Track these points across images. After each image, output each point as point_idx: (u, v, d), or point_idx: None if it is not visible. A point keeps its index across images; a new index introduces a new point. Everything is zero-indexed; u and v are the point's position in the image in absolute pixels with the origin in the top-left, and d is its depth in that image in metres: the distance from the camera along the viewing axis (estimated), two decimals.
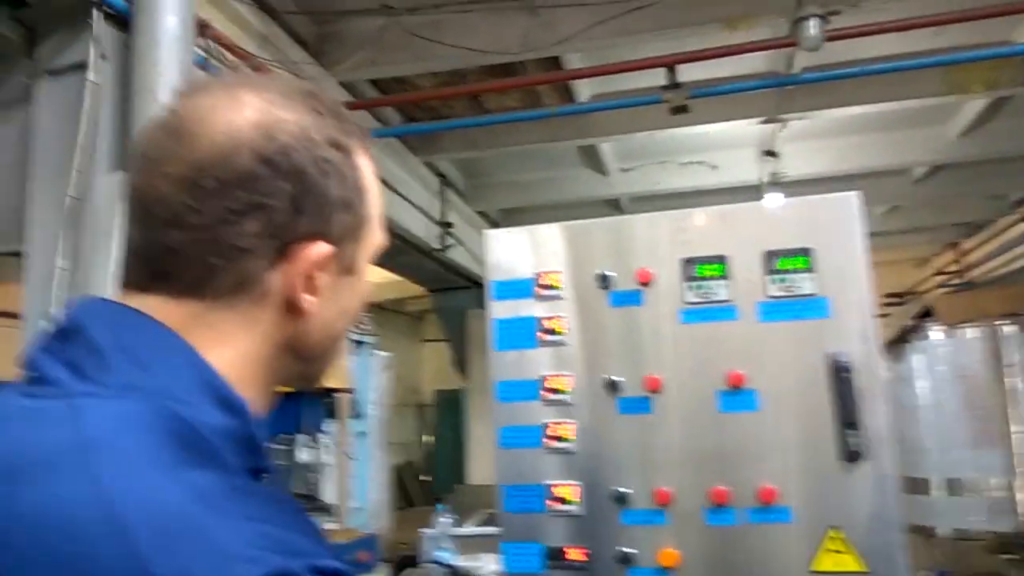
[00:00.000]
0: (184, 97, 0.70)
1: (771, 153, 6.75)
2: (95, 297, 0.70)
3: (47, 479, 0.55)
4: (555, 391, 1.63)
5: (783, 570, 1.46)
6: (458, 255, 7.68)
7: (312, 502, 3.88)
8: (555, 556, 1.57)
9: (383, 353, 6.60)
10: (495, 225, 8.68)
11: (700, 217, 1.64)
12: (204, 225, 0.65)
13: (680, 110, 4.80)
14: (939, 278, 11.63)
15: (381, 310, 13.71)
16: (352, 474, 4.40)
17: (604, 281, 1.65)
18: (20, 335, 2.62)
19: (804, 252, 1.54)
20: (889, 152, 7.39)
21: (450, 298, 8.95)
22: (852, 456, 1.44)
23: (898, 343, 7.03)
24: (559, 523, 1.58)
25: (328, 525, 3.79)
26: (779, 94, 5.67)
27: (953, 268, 11.41)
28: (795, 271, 1.55)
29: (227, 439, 0.63)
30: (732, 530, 1.49)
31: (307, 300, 0.69)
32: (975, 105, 6.52)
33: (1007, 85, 5.54)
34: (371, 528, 4.68)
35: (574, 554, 1.56)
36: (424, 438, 15.78)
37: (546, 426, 1.63)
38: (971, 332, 6.68)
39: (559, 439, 1.61)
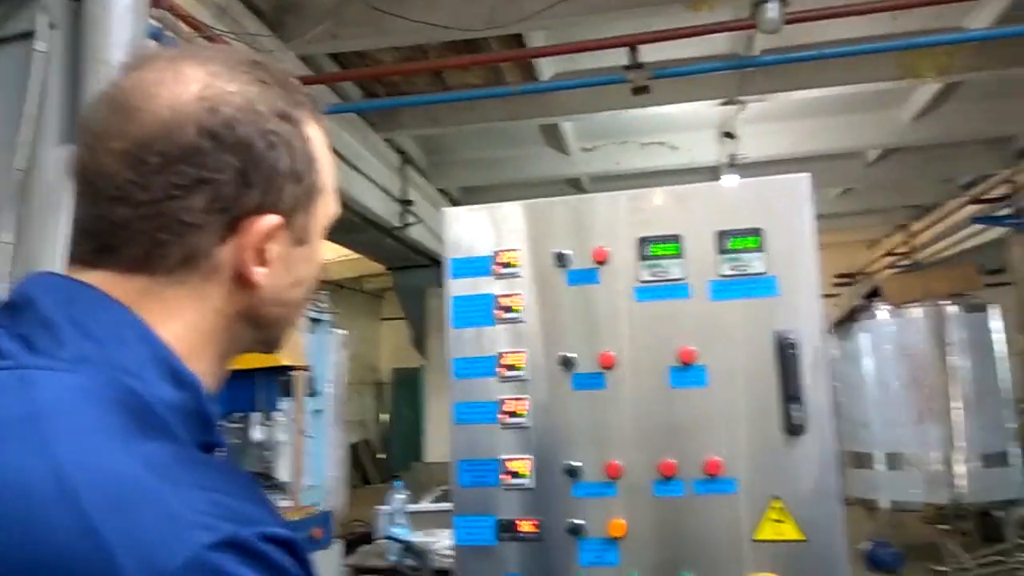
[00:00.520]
0: (128, 71, 0.69)
1: (729, 135, 6.83)
2: (45, 272, 0.70)
3: None
4: (511, 368, 1.65)
5: (727, 539, 1.51)
6: (418, 233, 7.64)
7: (266, 480, 3.86)
8: (507, 528, 1.60)
9: (340, 331, 6.56)
10: (456, 203, 8.65)
11: (656, 197, 1.67)
12: (150, 201, 0.64)
13: (641, 90, 4.83)
14: (889, 259, 11.95)
15: (339, 288, 13.60)
16: (307, 452, 4.38)
17: (561, 259, 1.67)
18: None
19: (755, 232, 1.58)
20: (844, 135, 7.54)
21: (409, 276, 8.92)
22: (795, 429, 1.50)
23: (847, 322, 7.23)
24: (512, 496, 1.61)
25: (282, 503, 3.78)
26: (739, 76, 5.73)
27: (902, 250, 11.73)
28: (746, 251, 1.58)
29: (178, 413, 0.63)
30: (679, 501, 1.54)
31: (258, 272, 0.69)
32: (927, 90, 6.68)
33: (958, 71, 5.68)
34: (326, 506, 4.68)
35: (526, 526, 1.59)
36: (382, 416, 15.79)
37: (502, 402, 1.65)
38: (916, 312, 6.89)
39: (514, 415, 1.64)
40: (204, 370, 0.69)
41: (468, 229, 1.73)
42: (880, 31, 5.34)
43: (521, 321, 1.67)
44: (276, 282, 0.72)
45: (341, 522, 7.08)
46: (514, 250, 1.69)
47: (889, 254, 12.05)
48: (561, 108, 6.32)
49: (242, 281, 0.69)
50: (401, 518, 3.79)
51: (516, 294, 1.68)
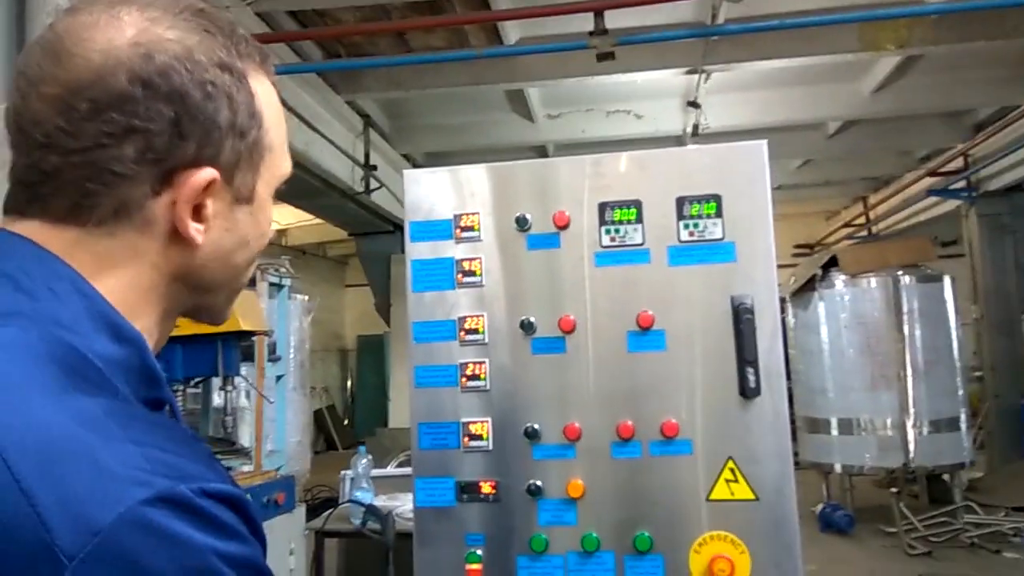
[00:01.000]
0: (66, 14, 0.67)
1: (694, 104, 6.85)
2: None
3: None
4: (472, 332, 1.66)
5: (682, 499, 1.55)
6: (381, 198, 7.56)
7: (228, 446, 3.83)
8: (467, 490, 1.61)
9: (302, 297, 6.50)
10: (420, 169, 8.56)
11: (617, 162, 1.66)
12: (79, 149, 0.62)
13: (606, 57, 4.80)
14: (847, 230, 12.19)
15: (302, 254, 13.45)
16: (269, 417, 4.36)
17: (522, 223, 1.66)
18: None
19: (713, 198, 1.59)
20: (805, 107, 7.62)
21: (373, 242, 8.85)
22: (750, 393, 1.53)
23: (804, 291, 7.37)
24: (472, 459, 1.62)
25: (244, 468, 3.76)
26: (703, 45, 5.74)
27: (861, 221, 11.96)
28: (704, 216, 1.60)
29: (118, 368, 0.61)
30: (636, 462, 1.56)
31: (195, 229, 0.67)
32: (887, 63, 6.77)
33: (917, 44, 5.76)
34: (289, 470, 4.68)
35: (485, 487, 1.61)
36: (348, 383, 15.76)
37: (463, 366, 1.65)
38: (871, 282, 7.05)
39: (474, 378, 1.64)
40: (144, 328, 0.67)
41: (428, 192, 1.71)
42: (842, 3, 5.38)
43: (481, 285, 1.67)
44: (216, 241, 0.70)
45: (306, 487, 7.11)
46: (475, 213, 1.68)
47: (847, 225, 12.29)
48: (526, 74, 6.27)
49: (179, 237, 0.67)
50: (365, 483, 3.80)
51: (477, 258, 1.67)
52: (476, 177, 1.72)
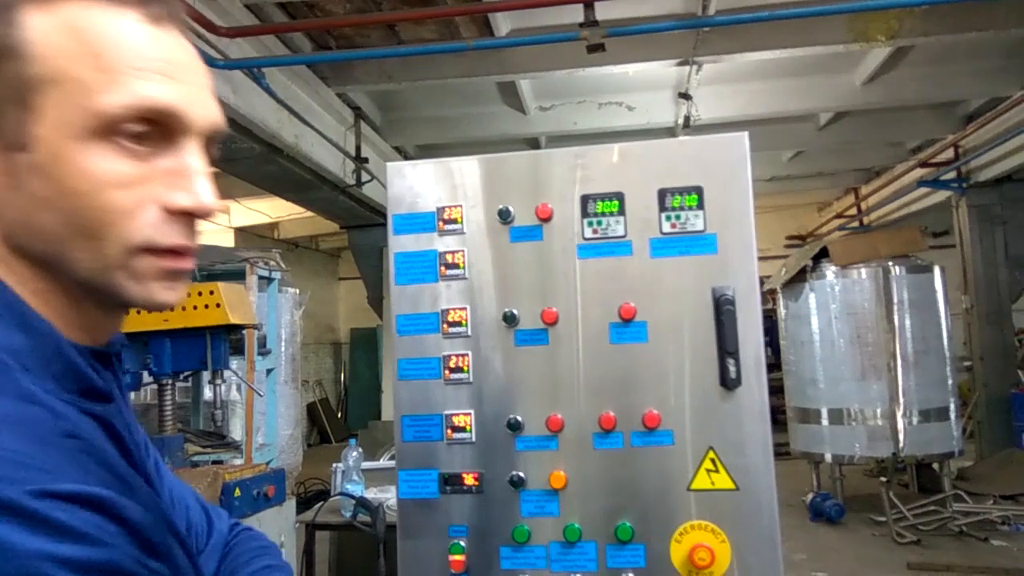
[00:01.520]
0: None
1: (685, 95, 6.85)
2: None
3: None
4: (455, 324, 1.66)
5: (664, 489, 1.56)
6: (373, 191, 7.55)
7: (218, 439, 3.84)
8: (450, 481, 1.62)
9: (293, 290, 6.48)
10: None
11: (599, 154, 1.66)
12: None
13: (596, 48, 4.79)
14: (839, 221, 12.22)
15: (295, 247, 13.43)
16: (260, 411, 4.36)
17: (505, 216, 1.66)
18: None
19: (695, 190, 1.60)
20: (796, 98, 7.62)
21: (365, 235, 8.84)
22: (731, 383, 1.54)
23: (795, 282, 7.40)
24: (455, 451, 1.63)
25: (235, 461, 3.77)
26: (694, 37, 5.73)
27: (852, 212, 11.99)
28: (686, 208, 1.60)
29: (30, 359, 0.59)
30: (618, 453, 1.57)
31: None
32: (878, 54, 6.77)
33: (907, 35, 5.76)
34: (280, 463, 4.69)
35: (469, 479, 1.61)
36: (341, 376, 15.77)
37: (446, 358, 1.66)
38: (862, 272, 7.08)
39: (458, 370, 1.65)
40: (50, 314, 0.63)
41: (411, 184, 1.72)
42: None
43: (465, 278, 1.67)
44: (10, 201, 0.62)
45: (299, 480, 7.12)
46: (458, 206, 1.69)
47: (839, 216, 12.32)
48: (517, 66, 6.25)
49: None
50: (355, 475, 3.81)
51: (460, 251, 1.67)
52: (459, 170, 1.72)
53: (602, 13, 4.72)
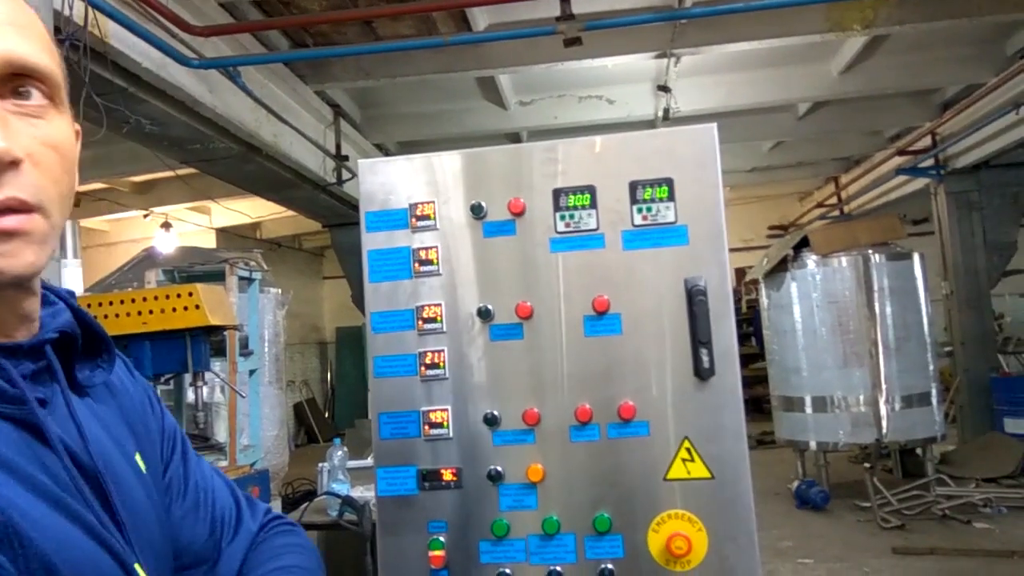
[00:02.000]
0: None
1: (664, 88, 6.86)
2: None
3: None
4: (430, 320, 1.66)
5: (640, 479, 1.57)
6: (354, 189, 7.52)
7: (202, 441, 3.82)
8: (429, 477, 1.62)
9: (275, 290, 6.46)
10: None
11: (569, 148, 1.67)
12: None
13: (573, 42, 4.79)
14: (820, 210, 12.31)
15: (277, 247, 13.35)
16: (243, 412, 4.34)
17: (478, 211, 1.67)
18: None
19: (665, 182, 1.61)
20: (775, 88, 7.66)
21: (348, 233, 8.79)
22: (704, 373, 1.55)
23: (777, 272, 7.44)
24: (433, 447, 1.63)
25: (220, 463, 3.75)
26: (671, 29, 5.74)
27: (833, 201, 12.08)
28: (657, 200, 1.61)
29: None
30: (595, 445, 1.58)
31: None
32: (854, 43, 6.82)
33: (883, 24, 5.80)
34: (265, 464, 4.67)
35: (447, 474, 1.62)
36: (328, 375, 15.71)
37: (421, 355, 1.66)
38: (842, 261, 7.14)
39: (434, 367, 1.65)
40: None
41: (384, 181, 1.71)
42: None
43: (439, 274, 1.67)
44: None
45: (286, 480, 7.10)
46: (430, 202, 1.69)
47: (820, 205, 12.40)
48: (495, 60, 6.25)
49: None
50: (341, 474, 3.80)
51: (433, 247, 1.67)
52: (431, 166, 1.71)
53: (579, 7, 4.72)
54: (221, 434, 4.76)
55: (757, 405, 11.35)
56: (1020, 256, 8.90)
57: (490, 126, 8.07)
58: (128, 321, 3.39)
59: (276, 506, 3.65)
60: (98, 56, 3.68)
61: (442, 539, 1.61)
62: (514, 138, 8.50)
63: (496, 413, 1.61)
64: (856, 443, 7.17)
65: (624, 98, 7.83)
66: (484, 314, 1.64)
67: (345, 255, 8.82)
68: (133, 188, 9.78)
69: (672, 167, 1.61)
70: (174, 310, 3.40)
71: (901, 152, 8.93)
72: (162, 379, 3.83)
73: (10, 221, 0.66)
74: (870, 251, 7.13)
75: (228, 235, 11.62)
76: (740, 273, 12.76)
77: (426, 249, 1.68)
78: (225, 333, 4.00)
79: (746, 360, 11.36)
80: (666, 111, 7.11)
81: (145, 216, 10.23)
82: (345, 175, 7.10)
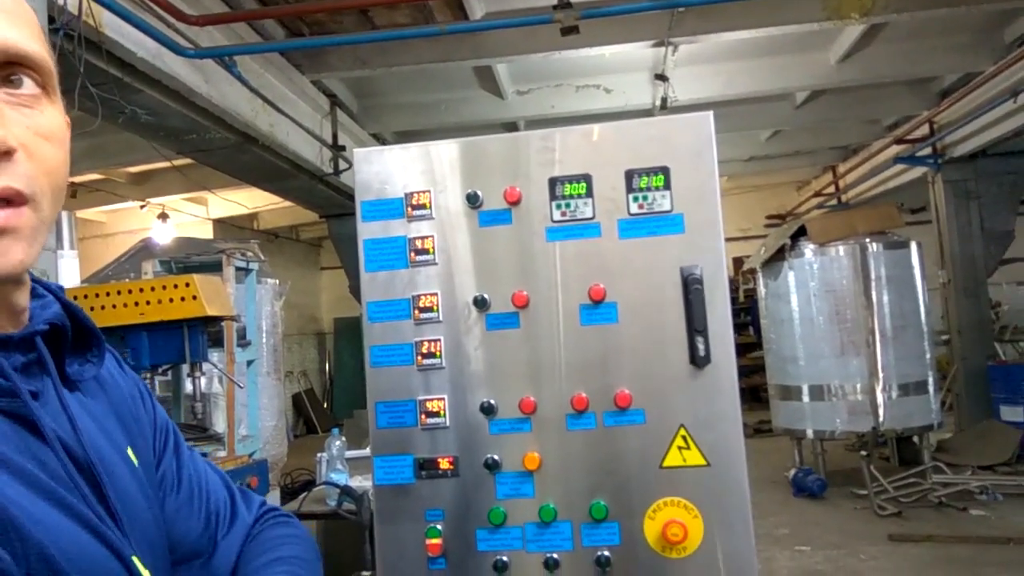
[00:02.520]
0: None
1: (662, 77, 6.84)
2: None
3: None
4: (426, 310, 1.66)
5: (636, 467, 1.57)
6: (351, 179, 7.49)
7: (200, 432, 3.82)
8: (426, 466, 1.63)
9: (273, 281, 6.45)
10: None
11: (566, 136, 1.67)
12: None
13: (570, 31, 4.78)
14: (818, 199, 12.30)
15: (275, 237, 13.34)
16: (241, 402, 4.35)
17: (474, 200, 1.66)
18: None
19: (661, 171, 1.60)
20: (772, 77, 7.63)
21: (345, 224, 8.77)
22: (700, 361, 1.55)
23: (775, 261, 7.45)
24: (430, 436, 1.64)
25: (218, 454, 3.76)
26: (669, 17, 5.72)
27: (831, 190, 12.07)
28: (653, 189, 1.61)
29: None
30: (591, 433, 1.59)
31: None
32: (852, 32, 6.80)
33: (881, 12, 5.78)
34: (265, 455, 4.68)
35: (444, 463, 1.62)
36: (326, 366, 15.73)
37: (418, 344, 1.66)
38: (840, 249, 7.14)
39: (430, 356, 1.65)
40: None
41: (379, 171, 1.71)
42: None
43: (435, 263, 1.67)
44: None
45: (285, 471, 7.11)
46: (426, 191, 1.68)
47: (818, 195, 12.39)
48: (493, 50, 6.22)
49: None
50: (339, 464, 3.82)
51: (429, 236, 1.67)
52: (427, 154, 1.71)
53: None
54: (219, 424, 4.77)
55: (755, 394, 11.38)
56: (1017, 244, 8.90)
57: (487, 116, 8.04)
58: (125, 312, 3.38)
59: (275, 496, 3.66)
60: (93, 46, 3.66)
61: (439, 527, 1.62)
62: (511, 128, 8.47)
63: (493, 402, 1.62)
64: (853, 431, 7.20)
65: (622, 87, 7.80)
66: (480, 303, 1.64)
67: (342, 245, 8.81)
68: (129, 179, 9.76)
69: (668, 155, 1.61)
70: (171, 301, 3.40)
71: (899, 141, 8.92)
72: (160, 370, 3.83)
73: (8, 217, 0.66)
74: (867, 240, 7.13)
75: (225, 226, 11.59)
76: (738, 263, 12.77)
77: (422, 238, 1.68)
78: (223, 324, 4.00)
79: (744, 349, 11.40)
80: (664, 100, 7.09)
81: (142, 207, 10.21)
82: (342, 165, 7.08)
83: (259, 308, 5.65)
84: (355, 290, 9.96)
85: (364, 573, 3.09)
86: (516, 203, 1.66)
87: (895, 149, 9.13)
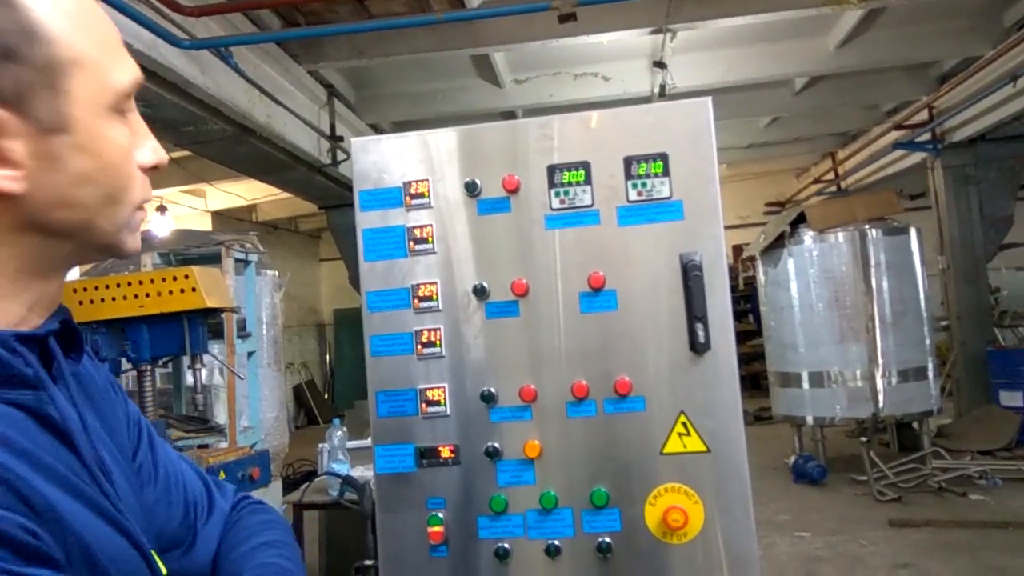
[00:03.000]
0: None
1: (660, 64, 6.81)
2: None
3: None
4: (425, 299, 1.66)
5: (637, 454, 1.58)
6: (350, 170, 7.47)
7: (201, 424, 3.83)
8: (427, 455, 1.63)
9: (272, 272, 6.45)
10: None
11: (564, 124, 1.66)
12: None
13: (568, 18, 4.76)
14: (817, 186, 12.28)
15: (274, 229, 13.32)
16: (242, 394, 4.35)
17: (472, 189, 1.66)
18: None
19: (660, 157, 1.60)
20: (771, 63, 7.60)
21: (344, 214, 8.76)
22: (700, 348, 1.55)
23: (774, 248, 7.44)
24: (431, 424, 1.64)
25: (220, 445, 3.77)
26: (667, 4, 5.69)
27: (830, 177, 12.05)
28: (652, 176, 1.61)
29: None
30: (591, 420, 1.59)
31: (3, 177, 0.61)
32: (851, 17, 6.76)
33: None
34: (265, 446, 4.69)
35: (445, 452, 1.63)
36: (327, 357, 15.75)
37: (418, 333, 1.66)
38: (839, 236, 7.13)
39: (430, 345, 1.65)
40: None
41: (376, 160, 1.70)
42: None
43: (434, 252, 1.67)
44: (44, 183, 0.63)
45: (287, 462, 7.13)
46: (424, 180, 1.68)
47: (817, 181, 12.37)
48: (490, 38, 6.19)
49: None
50: (341, 454, 3.83)
51: (428, 225, 1.67)
52: (425, 143, 1.71)
53: None
54: (221, 416, 4.78)
55: (755, 381, 11.40)
56: (1017, 230, 8.89)
57: (485, 105, 8.02)
58: (125, 304, 3.38)
59: (277, 487, 3.67)
60: None
61: (441, 515, 1.62)
62: (509, 116, 8.44)
63: (493, 390, 1.62)
64: (853, 417, 7.21)
65: (620, 75, 7.78)
66: (480, 292, 1.64)
67: (342, 236, 8.80)
68: None
69: (667, 142, 1.60)
70: (171, 293, 3.40)
71: (898, 126, 8.89)
72: (160, 362, 3.83)
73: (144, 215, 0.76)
74: (867, 226, 7.12)
75: (224, 218, 11.57)
76: (737, 250, 12.76)
77: (421, 227, 1.68)
78: (223, 315, 4.00)
79: (743, 337, 11.41)
80: (662, 88, 7.06)
81: None
82: (340, 156, 7.06)
83: (259, 300, 5.65)
84: (355, 280, 9.95)
85: (367, 562, 3.10)
86: (515, 191, 1.65)
87: (894, 135, 9.11)
